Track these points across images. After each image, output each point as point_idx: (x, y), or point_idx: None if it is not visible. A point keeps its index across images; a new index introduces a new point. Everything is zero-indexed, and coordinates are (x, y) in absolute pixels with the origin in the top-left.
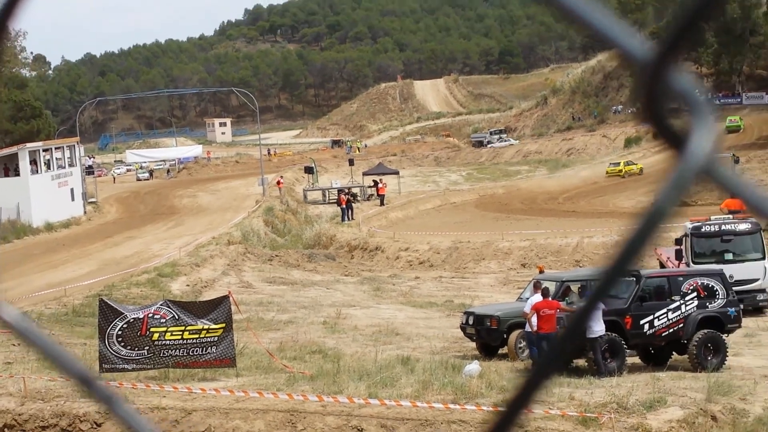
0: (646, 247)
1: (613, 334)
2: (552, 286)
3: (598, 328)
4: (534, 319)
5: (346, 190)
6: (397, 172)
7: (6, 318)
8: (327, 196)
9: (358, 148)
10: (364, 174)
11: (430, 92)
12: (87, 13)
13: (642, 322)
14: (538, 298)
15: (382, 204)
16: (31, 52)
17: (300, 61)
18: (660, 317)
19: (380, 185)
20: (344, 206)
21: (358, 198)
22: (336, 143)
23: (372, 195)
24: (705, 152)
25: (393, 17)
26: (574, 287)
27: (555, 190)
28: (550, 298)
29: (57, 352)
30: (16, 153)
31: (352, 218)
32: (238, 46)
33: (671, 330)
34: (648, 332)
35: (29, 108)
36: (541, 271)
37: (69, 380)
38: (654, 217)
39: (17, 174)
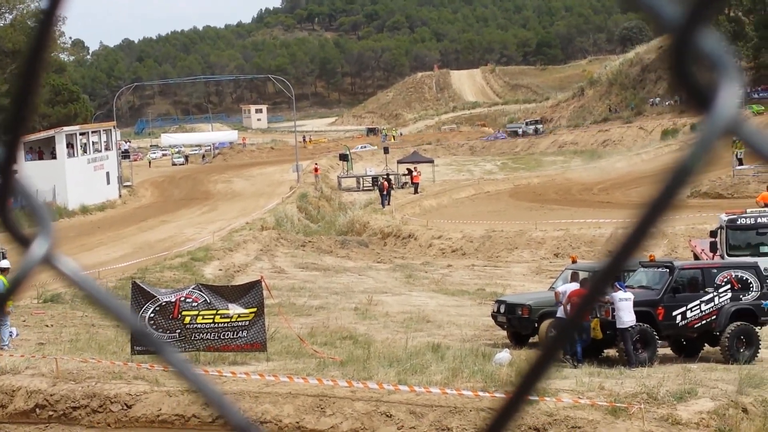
0: (672, 206)
1: (645, 325)
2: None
3: (628, 318)
4: (569, 307)
5: (386, 176)
6: (431, 161)
7: (64, 270)
8: (361, 183)
9: (393, 137)
10: (399, 162)
11: (467, 82)
12: None
13: (674, 313)
14: (574, 286)
15: (416, 192)
16: (70, 37)
17: (337, 50)
18: (693, 309)
19: (414, 173)
20: (385, 192)
21: (393, 185)
22: (371, 131)
23: (406, 183)
24: (731, 111)
25: (431, 7)
26: None
27: (590, 181)
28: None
29: (114, 304)
30: (53, 136)
31: (389, 204)
32: (276, 33)
33: (704, 322)
34: (680, 323)
35: (67, 92)
36: (574, 261)
37: (124, 330)
38: (681, 174)
39: (53, 157)
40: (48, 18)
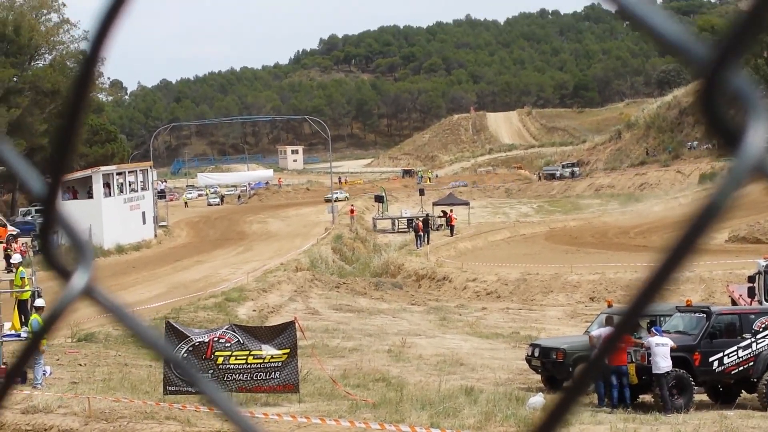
0: (701, 243)
1: (681, 371)
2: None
3: (665, 364)
4: None
5: (424, 216)
6: (467, 203)
7: (104, 302)
8: (396, 225)
9: (429, 178)
10: (434, 204)
11: (503, 124)
12: (164, 40)
13: (711, 359)
14: (609, 330)
15: (451, 234)
16: (108, 78)
17: (373, 91)
18: (730, 355)
19: (450, 215)
20: (421, 232)
21: (431, 226)
22: (407, 173)
23: (441, 225)
24: (759, 150)
25: (467, 49)
26: (643, 322)
27: (627, 224)
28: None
29: (150, 336)
30: (90, 176)
31: (428, 243)
32: (313, 75)
33: (741, 368)
34: (717, 369)
35: (104, 132)
36: (609, 305)
37: (156, 356)
38: (709, 212)
39: (89, 196)
40: (90, 60)
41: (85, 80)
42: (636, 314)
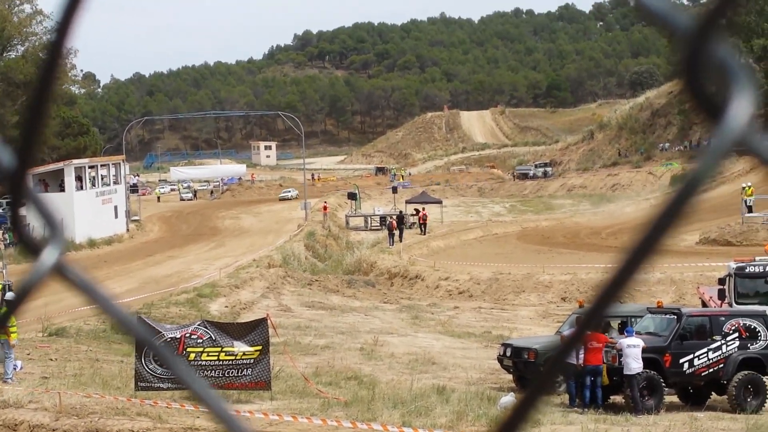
0: (684, 216)
1: (652, 372)
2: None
3: (636, 365)
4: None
5: (397, 214)
6: (440, 202)
7: (74, 278)
8: (369, 222)
9: (402, 176)
10: (407, 202)
11: (477, 123)
12: (137, 33)
13: (682, 360)
14: None
15: (423, 233)
16: (81, 70)
17: (347, 88)
18: (700, 356)
19: (422, 213)
20: (395, 230)
21: (405, 223)
22: (380, 170)
23: (414, 223)
24: (742, 122)
25: (442, 47)
26: (614, 323)
27: (599, 225)
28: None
29: (121, 314)
30: (62, 169)
31: (401, 241)
32: (286, 70)
33: (711, 370)
34: (687, 371)
35: (77, 125)
36: (581, 306)
37: (127, 335)
38: (692, 184)
39: (61, 190)
40: (56, 49)
41: (51, 69)
42: (599, 313)
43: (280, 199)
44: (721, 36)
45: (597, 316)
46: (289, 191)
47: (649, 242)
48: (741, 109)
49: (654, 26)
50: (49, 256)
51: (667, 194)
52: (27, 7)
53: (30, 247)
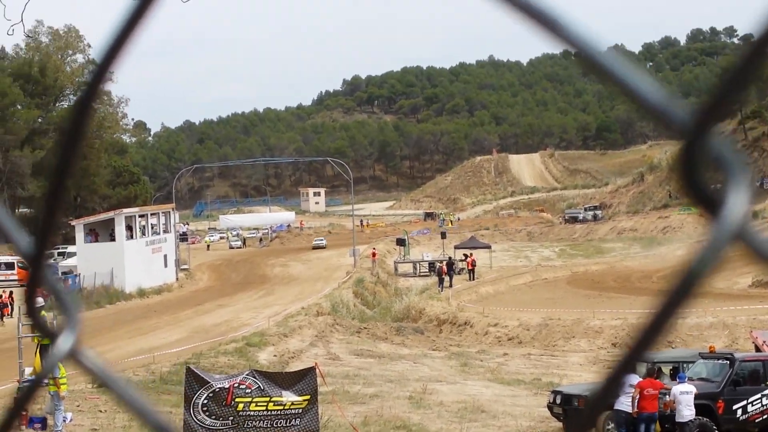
0: (680, 312)
1: (705, 419)
2: (643, 367)
3: (688, 412)
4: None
5: (447, 259)
6: (489, 247)
7: (89, 365)
8: (418, 268)
9: (451, 221)
10: (456, 247)
11: (526, 167)
12: (188, 81)
13: (735, 407)
14: (633, 377)
15: (471, 278)
16: (132, 119)
17: (396, 133)
18: (754, 402)
19: (470, 259)
20: (444, 275)
21: (455, 269)
22: (429, 216)
23: (463, 269)
24: (739, 217)
25: (490, 90)
26: (666, 369)
27: (650, 268)
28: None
29: (136, 401)
30: (113, 218)
31: (450, 287)
32: (335, 116)
33: (765, 416)
34: (741, 418)
35: (128, 173)
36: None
37: (143, 422)
38: (689, 281)
39: (111, 239)
40: (90, 91)
41: (85, 111)
42: (635, 358)
43: (313, 248)
44: (718, 129)
45: (630, 363)
46: (322, 240)
47: (643, 344)
48: (738, 204)
49: (650, 119)
50: (64, 343)
51: (662, 293)
52: (80, 57)
53: (46, 333)
